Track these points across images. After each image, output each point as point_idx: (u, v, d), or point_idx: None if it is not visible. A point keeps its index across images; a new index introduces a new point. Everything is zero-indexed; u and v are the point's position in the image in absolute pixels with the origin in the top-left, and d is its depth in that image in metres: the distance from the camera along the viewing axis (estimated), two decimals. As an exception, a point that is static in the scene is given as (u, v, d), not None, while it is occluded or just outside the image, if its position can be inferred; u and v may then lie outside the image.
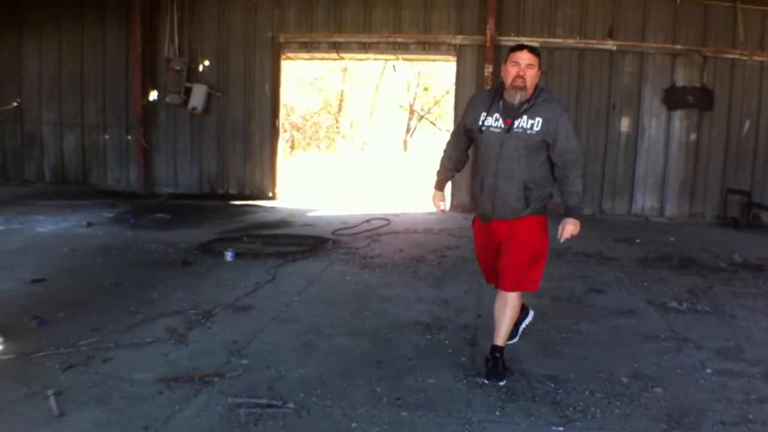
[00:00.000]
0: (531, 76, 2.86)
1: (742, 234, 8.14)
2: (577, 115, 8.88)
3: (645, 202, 9.01)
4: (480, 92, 3.19)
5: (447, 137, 3.51)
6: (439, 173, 3.38)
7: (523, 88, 2.84)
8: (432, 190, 3.42)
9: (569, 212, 3.00)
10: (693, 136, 8.92)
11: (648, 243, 7.06)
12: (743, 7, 8.71)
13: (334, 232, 6.99)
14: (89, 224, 7.03)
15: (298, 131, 17.92)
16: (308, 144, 18.42)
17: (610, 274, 5.55)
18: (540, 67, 2.94)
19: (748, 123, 8.90)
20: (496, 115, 2.91)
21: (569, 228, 2.98)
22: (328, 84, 18.68)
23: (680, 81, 8.86)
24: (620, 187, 8.98)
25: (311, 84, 17.84)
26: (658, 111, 8.92)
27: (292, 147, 17.33)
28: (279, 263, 5.49)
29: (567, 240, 2.99)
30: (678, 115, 8.91)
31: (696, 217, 8.97)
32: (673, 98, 8.87)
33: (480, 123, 2.96)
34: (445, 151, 3.34)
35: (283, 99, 9.81)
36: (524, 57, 2.86)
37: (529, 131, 2.86)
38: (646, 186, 8.99)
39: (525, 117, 2.86)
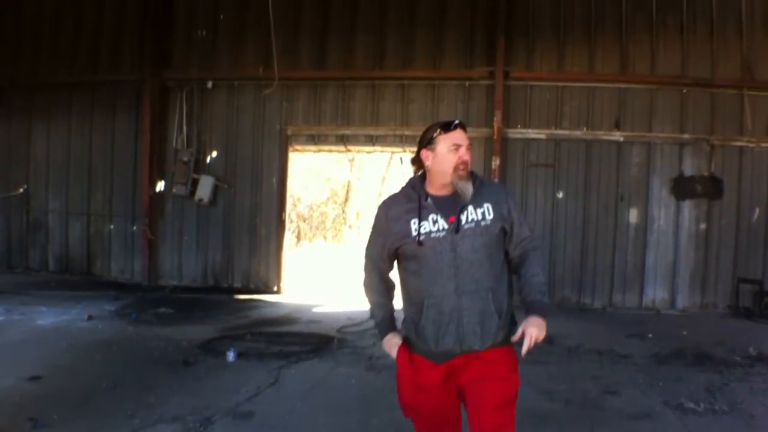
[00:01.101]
0: (469, 160, 2.35)
1: (756, 324, 8.22)
2: (586, 206, 9.15)
3: (656, 293, 9.17)
4: (391, 198, 2.47)
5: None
6: (378, 313, 2.53)
7: (469, 176, 2.31)
8: (383, 334, 2.51)
9: (532, 308, 2.31)
10: (702, 226, 9.12)
11: (661, 337, 7.13)
12: (750, 93, 9.05)
13: (339, 330, 7.09)
14: (90, 317, 7.17)
15: (304, 221, 18.32)
16: (314, 234, 18.81)
17: (623, 373, 5.57)
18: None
19: (757, 211, 9.11)
20: (433, 216, 2.30)
21: (532, 332, 2.20)
22: (335, 174, 19.18)
23: (688, 170, 9.12)
24: (630, 280, 9.16)
25: (318, 174, 18.31)
26: (666, 201, 9.15)
27: (299, 237, 17.66)
28: (282, 364, 5.54)
29: (528, 351, 2.20)
30: (687, 205, 9.13)
31: (708, 308, 9.10)
32: (681, 188, 9.12)
33: (414, 234, 2.29)
34: (368, 285, 2.55)
35: (290, 190, 10.10)
36: (463, 138, 2.34)
37: (483, 222, 2.30)
38: (657, 277, 9.16)
39: (470, 207, 2.30)
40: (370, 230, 2.51)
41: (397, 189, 2.53)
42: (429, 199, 2.34)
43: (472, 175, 2.36)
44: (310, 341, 6.47)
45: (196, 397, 4.56)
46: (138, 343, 6.18)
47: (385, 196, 2.64)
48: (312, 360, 5.78)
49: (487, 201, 2.34)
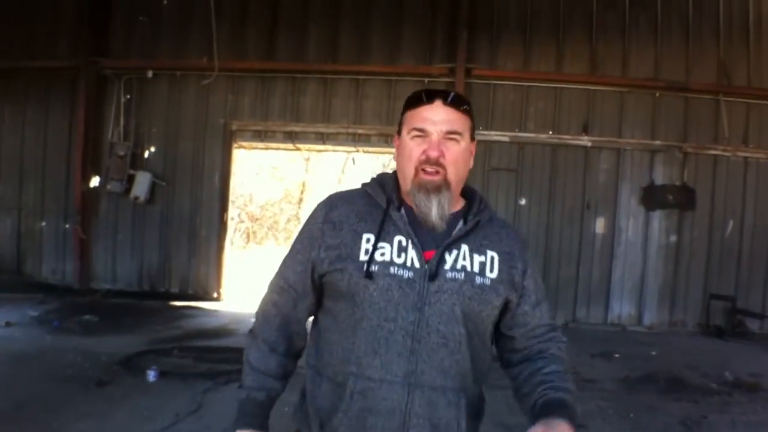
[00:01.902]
0: (455, 159, 1.46)
1: (728, 344, 8.00)
2: (550, 214, 8.85)
3: (622, 309, 8.89)
4: (340, 195, 1.62)
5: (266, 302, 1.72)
6: (252, 382, 1.56)
7: (440, 186, 1.44)
8: (240, 423, 1.53)
9: (552, 407, 1.41)
10: (673, 238, 8.88)
11: (628, 358, 6.86)
12: (726, 99, 8.82)
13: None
14: (7, 324, 6.83)
15: (255, 222, 17.90)
16: (265, 236, 18.38)
17: (591, 402, 5.24)
18: (474, 138, 1.54)
19: (731, 223, 8.90)
20: (401, 239, 1.45)
21: None
22: (290, 173, 18.81)
23: (659, 179, 8.87)
24: (595, 293, 8.87)
25: (271, 173, 17.94)
26: (635, 211, 8.89)
27: (248, 239, 17.26)
28: (208, 386, 5.15)
29: None
30: (657, 216, 8.89)
31: (677, 326, 8.85)
32: (651, 197, 8.86)
33: (363, 257, 1.43)
34: (258, 334, 1.56)
35: (241, 188, 9.72)
36: (439, 116, 1.45)
37: (479, 279, 1.45)
38: (623, 292, 8.88)
39: (465, 248, 1.46)
40: (293, 243, 1.58)
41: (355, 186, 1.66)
42: (402, 210, 1.48)
43: (474, 198, 1.57)
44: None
45: (105, 424, 4.21)
46: (54, 356, 5.81)
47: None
48: (244, 381, 5.41)
49: (493, 248, 1.49)
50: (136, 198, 8.91)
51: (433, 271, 1.40)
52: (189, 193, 9.23)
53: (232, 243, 14.11)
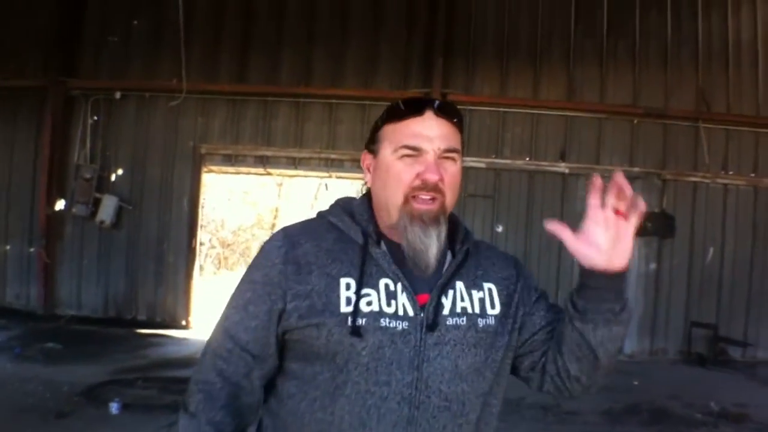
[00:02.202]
0: (454, 183, 1.24)
1: (711, 372, 7.91)
2: (527, 242, 8.73)
3: (600, 338, 8.74)
4: (301, 228, 1.30)
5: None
6: None
7: (438, 217, 1.21)
8: None
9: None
10: (653, 266, 8.78)
11: (610, 389, 6.45)
12: (705, 126, 8.79)
13: (246, 376, 6.60)
14: None
15: (227, 247, 17.73)
16: (237, 261, 18.22)
17: None
18: (464, 148, 1.31)
19: (711, 250, 8.83)
20: (387, 283, 1.20)
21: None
22: (262, 198, 18.65)
23: (638, 206, 8.78)
24: (573, 322, 8.73)
25: (243, 198, 17.78)
26: (614, 239, 8.78)
27: (219, 265, 17.07)
28: (173, 420, 4.86)
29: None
30: (636, 243, 8.56)
31: (658, 354, 8.74)
32: (630, 225, 8.77)
33: (345, 309, 1.17)
34: (197, 414, 1.20)
35: (213, 213, 9.55)
36: (434, 130, 1.21)
37: (482, 321, 1.24)
38: (602, 321, 8.74)
39: (460, 286, 1.25)
40: (238, 290, 1.26)
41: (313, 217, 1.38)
42: (383, 245, 1.23)
43: (456, 225, 1.32)
44: (211, 390, 5.92)
45: (63, 459, 4.01)
46: (13, 385, 5.64)
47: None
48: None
49: (488, 278, 1.29)
50: (102, 222, 8.72)
51: (430, 320, 1.17)
52: (156, 218, 9.03)
53: (202, 269, 13.93)
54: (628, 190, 1.17)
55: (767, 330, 8.74)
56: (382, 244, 1.23)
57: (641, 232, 8.66)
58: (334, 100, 8.82)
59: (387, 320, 1.15)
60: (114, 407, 5.12)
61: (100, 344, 7.69)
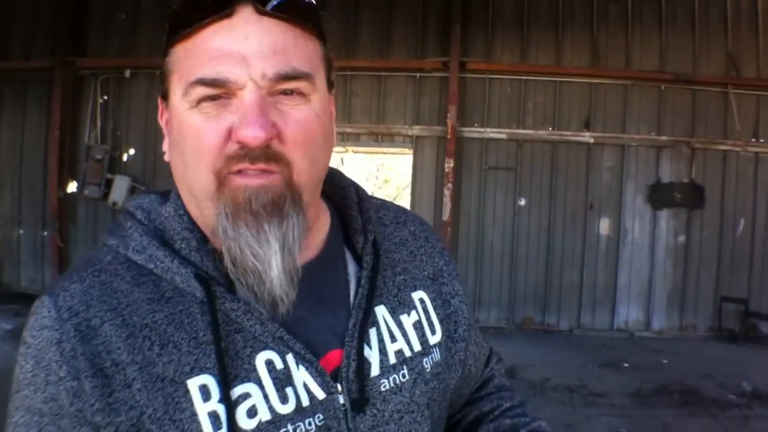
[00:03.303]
0: (306, 136, 0.69)
1: (742, 349, 7.56)
2: (551, 215, 8.35)
3: (629, 314, 8.38)
4: (88, 284, 0.68)
5: None
6: None
7: (280, 200, 0.66)
8: None
9: None
10: (682, 239, 8.37)
11: (639, 368, 6.42)
12: (735, 92, 8.33)
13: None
14: None
15: None
16: None
17: (600, 419, 4.87)
18: (332, 85, 0.81)
19: (743, 222, 8.40)
20: (268, 358, 0.69)
21: None
22: None
23: (666, 176, 8.36)
24: (601, 298, 8.36)
25: None
26: (642, 210, 8.38)
27: None
28: None
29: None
30: (664, 215, 8.39)
31: (687, 330, 8.36)
32: (658, 196, 8.35)
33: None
34: None
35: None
36: (254, 43, 0.65)
37: (426, 360, 0.80)
38: (630, 296, 8.37)
39: (383, 313, 0.78)
40: (6, 419, 0.71)
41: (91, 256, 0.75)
42: (238, 289, 0.71)
43: (342, 199, 0.86)
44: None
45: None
46: None
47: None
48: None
49: (414, 282, 0.84)
50: (115, 203, 8.48)
51: (355, 395, 0.71)
52: (170, 198, 8.74)
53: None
54: None
55: (801, 304, 8.33)
56: (237, 287, 0.70)
57: (670, 203, 8.34)
58: (348, 72, 8.42)
59: (290, 428, 0.67)
60: None
61: (116, 328, 7.53)
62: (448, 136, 8.11)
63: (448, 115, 8.12)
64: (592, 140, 8.37)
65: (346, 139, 8.57)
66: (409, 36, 8.48)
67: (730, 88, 8.28)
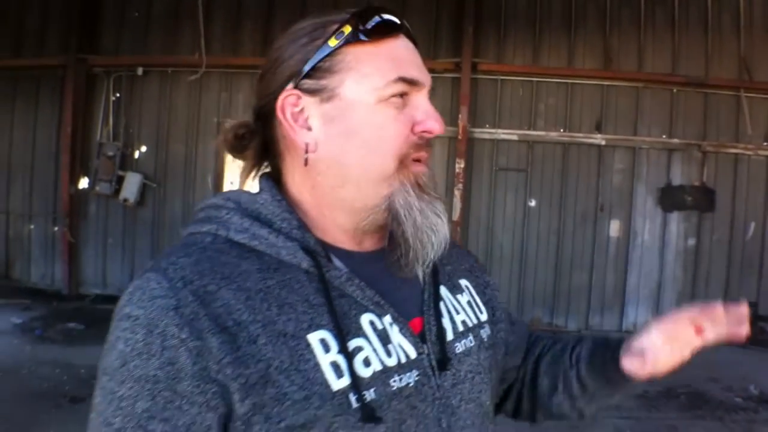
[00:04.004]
0: None
1: (750, 353, 7.40)
2: (562, 217, 8.32)
3: (638, 316, 8.33)
4: (197, 259, 0.73)
5: None
6: None
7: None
8: None
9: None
10: (692, 242, 8.33)
11: None
12: (748, 95, 8.28)
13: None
14: None
15: None
16: None
17: (606, 421, 4.86)
18: None
19: (753, 225, 8.35)
20: (370, 319, 0.77)
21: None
22: None
23: (677, 179, 8.31)
24: (610, 300, 8.33)
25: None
26: (652, 213, 8.34)
27: None
28: None
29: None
30: (675, 218, 8.35)
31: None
32: (669, 198, 8.31)
33: (335, 388, 0.71)
34: None
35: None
36: (417, 58, 0.88)
37: (483, 332, 0.92)
38: (639, 298, 8.34)
39: (445, 293, 0.90)
40: (105, 396, 0.69)
41: (192, 234, 0.82)
42: (335, 260, 0.81)
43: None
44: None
45: (72, 449, 3.89)
46: (30, 369, 5.50)
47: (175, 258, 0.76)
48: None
49: (459, 273, 0.97)
50: (126, 200, 8.49)
51: (438, 355, 0.81)
52: (181, 195, 8.75)
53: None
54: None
55: (810, 309, 8.27)
56: (334, 259, 0.79)
57: (681, 206, 8.29)
58: (361, 73, 8.42)
59: (397, 378, 0.76)
60: None
61: (125, 324, 7.55)
62: (459, 137, 8.08)
63: (460, 115, 8.09)
64: (603, 142, 8.33)
65: (357, 137, 8.55)
66: (422, 37, 8.34)
67: (742, 92, 8.23)
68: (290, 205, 0.81)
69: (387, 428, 0.72)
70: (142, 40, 8.78)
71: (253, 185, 0.87)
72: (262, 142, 0.88)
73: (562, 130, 8.34)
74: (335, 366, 0.71)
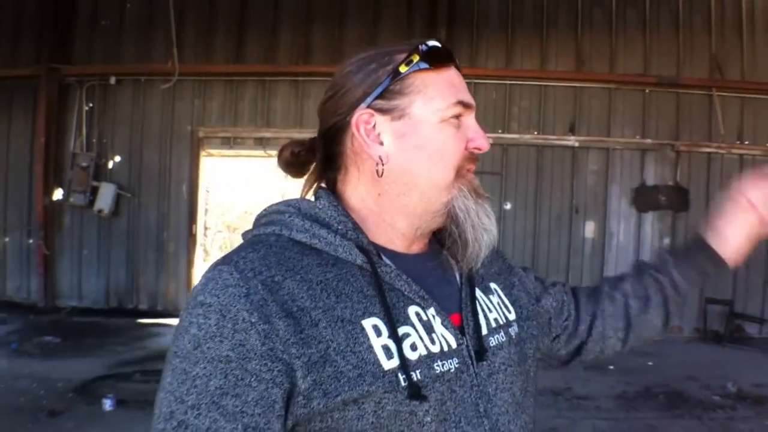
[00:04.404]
0: None
1: (727, 350, 7.60)
2: (537, 219, 8.37)
3: (615, 316, 8.40)
4: (264, 255, 0.82)
5: None
6: None
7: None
8: None
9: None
10: (666, 241, 8.38)
11: (624, 370, 6.39)
12: (720, 95, 8.34)
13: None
14: None
15: (234, 232, 17.37)
16: None
17: (586, 422, 4.86)
18: None
19: (728, 224, 8.43)
20: (416, 311, 0.86)
21: None
22: (269, 181, 18.21)
23: (651, 179, 8.39)
24: (586, 301, 8.38)
25: (250, 181, 17.47)
26: (626, 213, 8.41)
27: (227, 250, 16.67)
28: None
29: None
30: (649, 218, 8.42)
31: (673, 332, 8.33)
32: (643, 199, 8.38)
33: (386, 368, 0.79)
34: None
35: (220, 197, 9.26)
36: (467, 90, 0.95)
37: (512, 330, 0.99)
38: (616, 299, 8.39)
39: (479, 293, 0.98)
40: (179, 374, 0.76)
41: (260, 230, 0.91)
42: (384, 258, 0.90)
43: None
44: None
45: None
46: (8, 382, 5.45)
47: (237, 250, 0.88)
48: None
49: (489, 278, 1.05)
50: (100, 211, 8.43)
51: (476, 346, 0.90)
52: (156, 205, 8.72)
53: (208, 254, 13.59)
54: None
55: (785, 306, 8.35)
56: (384, 258, 0.89)
57: (655, 206, 8.34)
58: (334, 78, 8.42)
59: (440, 363, 0.85)
60: (108, 403, 4.87)
61: (100, 336, 7.47)
62: (434, 141, 8.08)
63: (433, 120, 8.09)
64: (577, 144, 8.38)
65: (331, 144, 8.55)
66: (395, 40, 8.34)
67: (714, 91, 8.31)
68: (345, 211, 0.92)
69: (430, 407, 0.81)
70: (115, 49, 8.74)
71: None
72: (324, 158, 0.97)
73: (535, 133, 8.38)
74: (386, 348, 0.80)
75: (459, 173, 0.91)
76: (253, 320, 0.75)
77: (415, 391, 0.79)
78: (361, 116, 0.89)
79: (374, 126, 0.90)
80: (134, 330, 7.91)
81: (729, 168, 8.38)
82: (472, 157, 0.92)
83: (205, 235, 10.06)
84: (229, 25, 8.63)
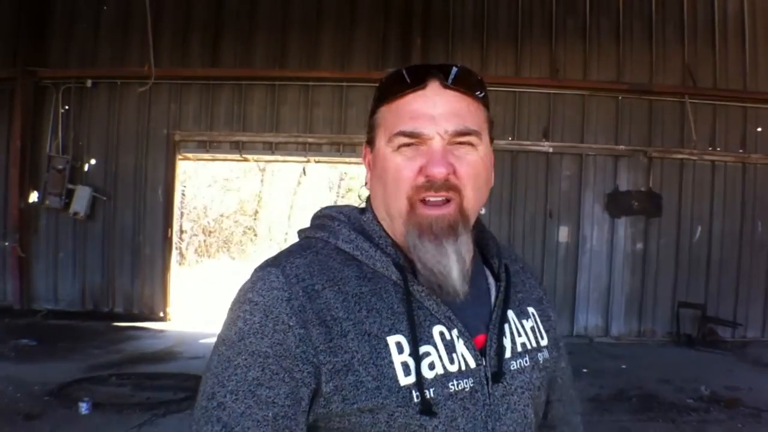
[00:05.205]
0: (474, 175, 0.92)
1: (700, 354, 7.65)
2: (511, 224, 8.43)
3: (588, 320, 8.46)
4: (310, 259, 0.91)
5: None
6: None
7: (455, 224, 0.89)
8: None
9: None
10: (639, 246, 8.48)
11: (597, 374, 6.43)
12: (692, 102, 8.45)
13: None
14: None
15: (209, 235, 17.31)
16: (218, 250, 17.75)
17: None
18: (493, 138, 1.00)
19: (699, 229, 8.53)
20: (441, 331, 0.91)
21: None
22: (245, 184, 18.09)
23: (624, 185, 8.47)
24: (560, 305, 8.39)
25: (225, 184, 17.36)
26: (600, 218, 8.48)
27: (203, 253, 16.65)
28: (145, 419, 4.71)
29: None
30: (622, 223, 8.49)
31: (646, 335, 8.46)
32: (616, 204, 8.46)
33: (402, 383, 0.86)
34: None
35: (195, 200, 9.21)
36: (440, 107, 0.90)
37: (540, 355, 1.03)
38: (589, 302, 8.46)
39: (512, 316, 1.01)
40: (224, 362, 0.86)
41: (309, 236, 1.00)
42: (417, 284, 0.93)
43: (480, 233, 1.04)
44: (186, 385, 5.55)
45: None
46: None
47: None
48: (184, 412, 4.89)
49: (528, 301, 1.07)
50: (76, 213, 8.39)
51: (494, 368, 0.94)
52: (132, 208, 8.69)
53: (184, 257, 13.52)
54: None
55: (756, 310, 8.47)
56: (419, 276, 0.92)
57: (628, 211, 8.43)
58: (310, 83, 8.46)
59: (455, 382, 0.90)
60: (84, 407, 4.84)
61: (76, 339, 7.43)
62: (410, 146, 8.12)
63: (408, 125, 8.12)
64: (550, 150, 8.45)
65: (308, 149, 8.57)
66: (370, 48, 8.52)
67: (687, 98, 8.42)
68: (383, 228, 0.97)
69: (440, 422, 0.87)
70: (91, 52, 8.71)
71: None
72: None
73: (510, 139, 8.43)
74: (405, 366, 0.86)
75: (412, 204, 0.89)
76: (292, 323, 0.84)
77: (426, 408, 0.85)
78: (365, 149, 1.01)
79: (366, 155, 1.00)
80: (110, 333, 7.87)
81: (701, 174, 8.51)
82: (430, 183, 0.88)
83: (180, 238, 10.03)
84: (205, 29, 8.63)
